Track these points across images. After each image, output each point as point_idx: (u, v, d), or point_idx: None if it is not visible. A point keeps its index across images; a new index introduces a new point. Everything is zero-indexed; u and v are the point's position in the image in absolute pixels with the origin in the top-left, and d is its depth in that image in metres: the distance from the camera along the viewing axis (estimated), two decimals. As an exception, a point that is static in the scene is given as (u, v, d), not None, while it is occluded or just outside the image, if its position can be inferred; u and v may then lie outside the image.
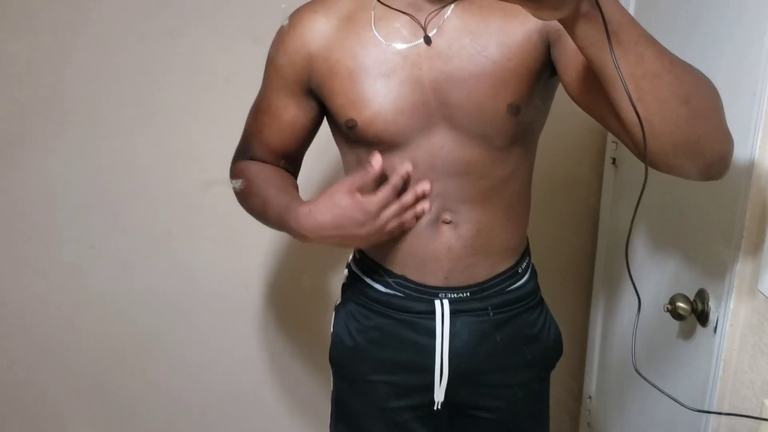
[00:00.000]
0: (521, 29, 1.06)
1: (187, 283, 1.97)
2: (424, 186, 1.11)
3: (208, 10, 1.75)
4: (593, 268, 1.93)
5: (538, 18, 0.73)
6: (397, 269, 1.24)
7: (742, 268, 1.14)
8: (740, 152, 1.12)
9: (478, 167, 1.13)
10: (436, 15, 1.08)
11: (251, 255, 1.96)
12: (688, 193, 1.31)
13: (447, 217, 1.17)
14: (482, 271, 1.22)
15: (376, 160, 1.08)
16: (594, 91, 0.96)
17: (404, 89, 1.09)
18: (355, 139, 1.16)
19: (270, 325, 2.03)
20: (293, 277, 1.98)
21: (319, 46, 1.14)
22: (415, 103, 1.10)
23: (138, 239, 1.92)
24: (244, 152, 1.29)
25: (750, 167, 1.10)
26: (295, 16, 1.19)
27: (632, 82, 0.79)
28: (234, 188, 1.25)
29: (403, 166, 1.10)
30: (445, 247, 1.18)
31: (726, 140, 0.90)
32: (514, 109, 1.08)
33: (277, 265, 1.97)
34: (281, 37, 1.19)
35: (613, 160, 1.76)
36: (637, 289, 1.04)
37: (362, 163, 1.19)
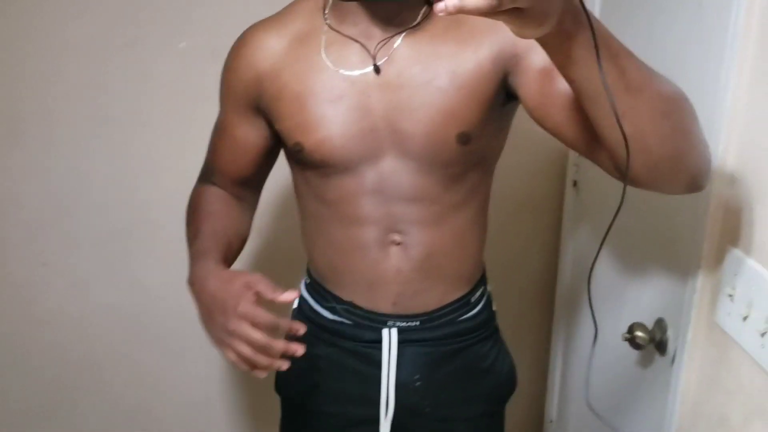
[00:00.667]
0: (473, 58, 1.04)
1: (144, 300, 1.92)
2: (298, 348, 1.03)
3: (166, 23, 1.71)
4: (554, 291, 1.92)
5: (521, 36, 0.70)
6: (345, 294, 1.21)
7: (700, 299, 1.14)
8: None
9: (430, 193, 1.12)
10: (386, 44, 1.06)
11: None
12: (649, 220, 1.30)
13: (396, 238, 1.15)
14: (433, 298, 1.20)
15: (289, 295, 1.02)
16: (562, 113, 0.96)
17: (352, 115, 1.08)
18: (302, 162, 1.14)
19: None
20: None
21: (269, 66, 1.12)
22: (364, 130, 1.08)
23: (93, 256, 1.86)
24: (206, 174, 1.28)
25: (707, 198, 1.09)
26: (247, 34, 1.17)
27: (616, 96, 0.77)
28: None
29: (299, 327, 1.05)
30: (394, 269, 1.16)
31: (706, 151, 0.90)
32: (464, 138, 1.06)
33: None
34: (232, 55, 1.17)
35: (574, 183, 1.76)
36: (596, 318, 1.03)
37: (310, 186, 1.17)
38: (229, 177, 1.25)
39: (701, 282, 1.13)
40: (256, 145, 1.21)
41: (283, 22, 1.14)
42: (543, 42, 0.74)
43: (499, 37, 1.02)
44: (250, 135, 1.20)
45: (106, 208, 1.83)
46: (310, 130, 1.09)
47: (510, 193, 1.82)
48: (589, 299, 0.94)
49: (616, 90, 0.77)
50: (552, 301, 1.93)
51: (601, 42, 0.73)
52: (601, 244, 0.90)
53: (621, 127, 0.77)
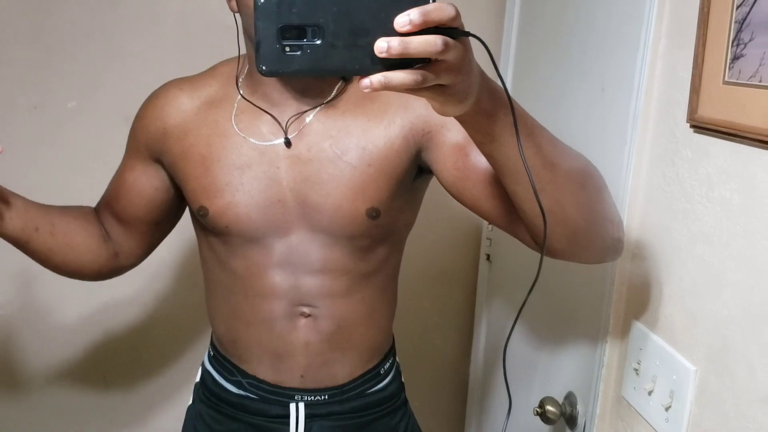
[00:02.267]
0: (384, 134, 1.04)
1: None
2: None
3: (76, 84, 1.67)
4: (468, 364, 1.91)
5: (442, 113, 0.70)
6: (250, 368, 1.17)
7: (607, 374, 1.15)
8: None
9: (339, 266, 1.10)
10: (297, 118, 1.06)
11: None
12: (558, 295, 1.33)
13: (305, 310, 1.12)
14: (342, 370, 1.17)
15: None
16: (479, 187, 0.96)
17: (259, 185, 1.06)
18: (208, 227, 1.11)
19: (127, 426, 1.88)
20: (154, 369, 1.85)
21: (176, 124, 1.11)
22: (271, 200, 1.07)
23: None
24: (96, 206, 1.25)
25: (612, 273, 1.12)
26: (161, 88, 1.16)
27: (534, 172, 0.78)
28: None
29: None
30: (302, 342, 1.13)
31: (619, 220, 0.94)
32: (374, 213, 1.06)
33: (133, 357, 1.84)
34: (144, 105, 1.16)
35: (488, 257, 1.78)
36: (510, 388, 1.01)
37: (215, 253, 1.14)
38: (111, 209, 1.20)
39: (608, 356, 1.15)
40: (143, 191, 1.17)
41: (197, 85, 1.13)
42: (463, 120, 0.74)
43: (410, 114, 1.03)
44: (140, 180, 1.16)
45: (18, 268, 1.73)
46: (215, 194, 1.07)
47: (424, 266, 1.82)
48: (504, 372, 0.93)
49: (533, 166, 0.78)
50: (466, 374, 1.93)
51: (518, 120, 0.75)
52: (516, 318, 0.90)
53: (539, 201, 0.78)
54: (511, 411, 1.03)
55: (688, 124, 0.94)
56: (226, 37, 1.66)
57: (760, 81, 0.79)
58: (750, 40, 0.81)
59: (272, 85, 1.05)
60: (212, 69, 1.16)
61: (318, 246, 1.09)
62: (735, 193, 0.86)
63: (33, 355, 1.80)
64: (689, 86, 0.93)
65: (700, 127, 0.91)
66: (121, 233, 1.21)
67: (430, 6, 0.59)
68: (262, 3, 0.60)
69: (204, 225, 1.12)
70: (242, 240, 1.09)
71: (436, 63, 0.62)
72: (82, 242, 1.16)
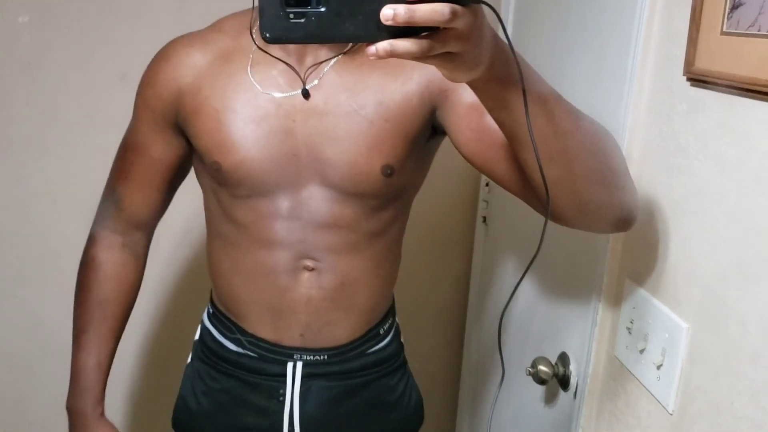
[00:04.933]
0: (401, 90, 1.03)
1: (34, 335, 1.80)
2: None
3: (71, 42, 1.64)
4: (464, 326, 1.91)
5: (452, 80, 0.69)
6: (249, 326, 1.16)
7: (600, 333, 1.15)
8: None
9: (347, 222, 1.09)
10: (315, 69, 1.04)
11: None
12: (552, 256, 1.32)
13: (309, 263, 1.10)
14: (342, 331, 1.16)
15: None
16: (492, 150, 0.95)
17: (274, 138, 1.04)
18: (218, 180, 1.09)
19: (125, 385, 1.89)
20: (153, 329, 1.85)
21: (190, 81, 1.07)
22: (285, 154, 1.05)
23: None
24: (109, 210, 1.21)
25: (606, 236, 1.11)
26: (169, 48, 1.11)
27: (544, 141, 0.77)
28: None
29: None
30: (304, 297, 1.11)
31: (633, 189, 0.92)
32: (388, 171, 1.04)
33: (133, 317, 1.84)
34: (152, 68, 1.12)
35: (484, 219, 1.77)
36: (503, 355, 1.01)
37: (221, 205, 1.12)
38: (131, 212, 1.19)
39: (601, 315, 1.14)
40: (170, 165, 1.15)
41: (207, 39, 1.10)
42: (474, 86, 0.73)
43: (428, 71, 1.01)
44: (165, 155, 1.14)
45: (14, 246, 1.74)
46: (228, 150, 1.04)
47: (421, 228, 1.81)
48: (499, 343, 0.93)
49: (545, 134, 0.77)
50: (461, 335, 1.93)
51: (530, 87, 0.73)
52: (514, 291, 0.89)
53: (542, 171, 0.77)
54: (505, 371, 1.03)
55: (685, 77, 0.92)
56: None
57: (759, 30, 0.77)
58: (750, -12, 0.79)
59: None
60: (218, 23, 1.12)
61: (328, 202, 1.07)
62: (730, 148, 0.85)
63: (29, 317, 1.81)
64: (686, 39, 0.90)
65: (697, 80, 0.89)
66: (143, 237, 1.24)
67: None
68: None
69: (215, 178, 1.09)
70: (252, 192, 1.07)
71: (444, 31, 0.60)
72: (135, 296, 1.27)
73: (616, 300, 1.11)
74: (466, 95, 0.98)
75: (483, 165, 0.99)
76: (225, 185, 1.09)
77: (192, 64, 1.08)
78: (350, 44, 1.05)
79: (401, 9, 0.57)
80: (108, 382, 1.23)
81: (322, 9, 0.60)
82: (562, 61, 1.29)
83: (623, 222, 0.94)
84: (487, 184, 1.77)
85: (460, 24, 0.60)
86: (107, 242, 1.21)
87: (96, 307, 1.20)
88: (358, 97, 1.03)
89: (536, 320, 1.40)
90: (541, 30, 1.41)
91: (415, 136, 1.05)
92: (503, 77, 0.72)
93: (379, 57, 0.59)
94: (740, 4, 0.80)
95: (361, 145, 1.03)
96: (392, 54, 0.59)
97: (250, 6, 1.08)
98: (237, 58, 1.07)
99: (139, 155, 1.16)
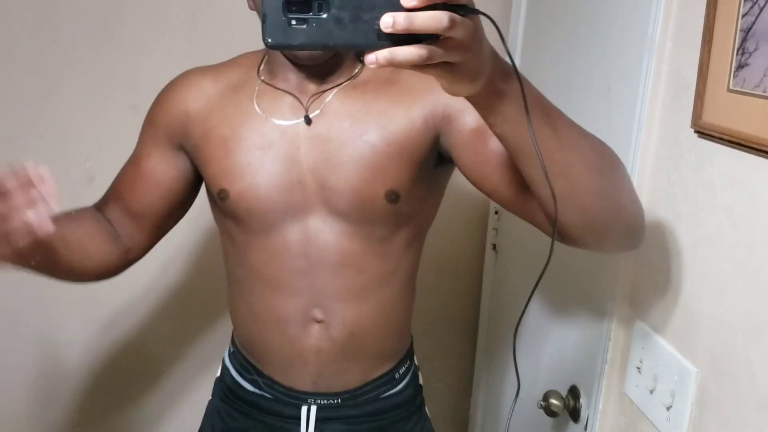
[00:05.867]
0: (404, 115, 1.04)
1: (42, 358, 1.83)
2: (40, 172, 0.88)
3: (83, 74, 1.67)
4: (474, 358, 1.93)
5: (452, 93, 0.69)
6: (266, 368, 1.18)
7: (610, 370, 1.17)
8: (610, 260, 1.16)
9: (356, 259, 1.09)
10: (318, 97, 1.06)
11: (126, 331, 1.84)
12: (564, 290, 1.34)
13: (318, 315, 1.11)
14: (354, 377, 1.17)
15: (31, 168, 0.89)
16: (497, 173, 0.96)
17: (280, 166, 1.06)
18: (227, 212, 1.11)
19: (148, 415, 1.91)
20: (178, 363, 1.88)
21: (199, 107, 1.11)
22: (291, 182, 1.06)
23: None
24: (100, 201, 1.20)
25: (616, 274, 1.13)
26: (183, 74, 1.16)
27: (549, 155, 0.76)
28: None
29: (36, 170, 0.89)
30: (314, 349, 1.13)
31: (640, 209, 0.92)
32: (393, 196, 1.05)
33: (159, 350, 1.87)
34: (165, 91, 1.16)
35: (494, 247, 1.79)
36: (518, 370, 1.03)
37: (236, 246, 1.14)
38: (123, 202, 1.17)
39: (611, 353, 1.16)
40: (160, 181, 1.15)
41: (219, 71, 1.14)
42: (474, 101, 0.73)
43: (431, 98, 1.02)
44: (158, 169, 1.15)
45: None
46: (235, 176, 1.06)
47: (430, 256, 1.83)
48: (514, 353, 0.94)
49: (549, 148, 0.76)
50: (472, 365, 1.95)
51: (532, 101, 0.74)
52: (530, 298, 0.88)
53: (549, 183, 0.77)
54: (515, 404, 1.05)
55: (693, 129, 0.94)
56: (230, 27, 1.68)
57: (764, 91, 0.79)
58: (755, 50, 0.81)
59: (291, 70, 1.06)
60: (233, 59, 1.17)
61: (335, 234, 1.08)
62: (738, 201, 0.87)
63: (46, 354, 1.84)
64: (694, 91, 0.93)
65: (704, 133, 0.92)
66: (131, 227, 1.17)
67: None
68: None
69: (224, 210, 1.11)
70: (261, 226, 1.09)
71: (443, 40, 0.61)
72: (94, 248, 1.11)
73: (626, 339, 1.13)
74: (469, 120, 0.99)
75: (489, 188, 0.99)
76: (234, 217, 1.10)
77: (203, 90, 1.12)
78: (353, 73, 1.08)
79: (401, 16, 0.58)
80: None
81: (324, 15, 0.60)
82: (570, 102, 1.31)
83: (631, 240, 0.93)
84: (496, 212, 1.79)
85: (458, 33, 0.61)
86: (104, 215, 1.18)
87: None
88: (360, 124, 1.04)
89: (547, 353, 1.42)
90: (549, 69, 1.44)
91: (420, 162, 1.06)
92: (503, 91, 0.72)
93: (379, 65, 0.60)
94: (746, 65, 0.83)
95: (364, 171, 1.04)
96: (391, 61, 0.60)
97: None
98: (245, 89, 1.10)
99: (134, 167, 1.16)
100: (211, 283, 1.76)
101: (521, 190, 0.93)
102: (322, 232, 1.08)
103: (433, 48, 0.60)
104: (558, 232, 0.86)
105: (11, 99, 1.66)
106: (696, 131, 0.94)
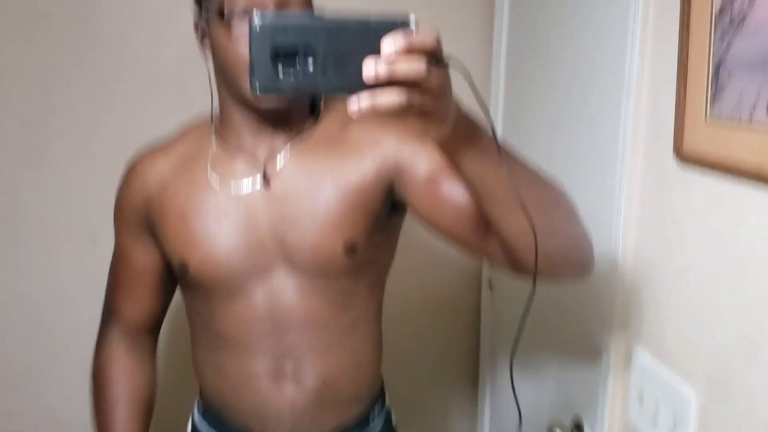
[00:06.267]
0: (356, 169, 1.07)
1: (49, 428, 1.81)
2: None
3: (73, 132, 1.69)
4: (476, 398, 1.93)
5: (422, 136, 0.73)
6: (240, 423, 1.19)
7: (612, 400, 1.17)
8: (605, 289, 1.17)
9: (320, 313, 1.11)
10: (271, 157, 1.09)
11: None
12: (560, 323, 1.35)
13: (289, 367, 1.13)
14: (329, 421, 1.18)
15: None
16: (452, 214, 0.99)
17: (238, 230, 1.08)
18: (191, 283, 1.13)
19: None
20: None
21: (156, 186, 1.14)
22: (250, 243, 1.08)
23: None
24: (106, 318, 1.27)
25: (612, 301, 1.15)
26: (136, 161, 1.19)
27: (509, 194, 0.81)
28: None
29: None
30: (288, 405, 1.14)
31: (589, 240, 0.96)
32: (351, 248, 1.08)
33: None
34: (123, 182, 1.20)
35: (490, 284, 1.81)
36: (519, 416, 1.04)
37: (200, 313, 1.16)
38: (129, 319, 1.24)
39: (612, 382, 1.17)
40: (153, 270, 1.20)
41: (171, 147, 1.18)
42: (442, 144, 0.77)
43: (380, 150, 1.06)
44: (147, 261, 1.19)
45: (9, 328, 1.76)
46: (193, 246, 1.09)
47: (427, 296, 1.84)
48: (512, 382, 0.96)
49: (509, 187, 0.81)
50: (474, 405, 1.94)
51: (490, 143, 0.78)
52: (521, 326, 0.92)
53: (527, 211, 0.81)
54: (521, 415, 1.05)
55: (675, 158, 0.97)
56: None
57: (740, 119, 0.82)
58: (728, 79, 0.84)
59: (244, 127, 1.09)
60: (183, 132, 1.20)
61: (298, 291, 1.10)
62: (724, 224, 0.89)
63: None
64: (673, 121, 0.95)
65: (687, 161, 0.94)
66: (148, 340, 1.28)
67: (416, 33, 0.63)
68: (258, 27, 0.64)
69: (186, 282, 1.14)
70: (224, 293, 1.10)
71: (419, 87, 0.64)
72: (152, 392, 1.29)
73: (626, 367, 1.14)
74: (421, 167, 1.03)
75: (446, 230, 1.02)
76: (197, 287, 1.13)
77: (157, 171, 1.15)
78: (304, 130, 1.11)
79: (382, 64, 0.62)
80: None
81: (309, 64, 0.64)
82: (555, 133, 1.34)
83: (584, 269, 0.98)
84: (490, 248, 1.80)
85: (433, 81, 0.65)
86: (112, 348, 1.25)
87: (113, 409, 1.22)
88: (315, 181, 1.07)
89: (549, 384, 1.42)
90: (532, 104, 1.47)
91: (375, 213, 1.09)
92: (468, 133, 0.77)
93: (362, 113, 0.63)
94: (721, 95, 0.85)
95: (322, 226, 1.06)
96: (373, 109, 0.63)
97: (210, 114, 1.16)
98: (198, 160, 1.13)
99: (124, 264, 1.22)
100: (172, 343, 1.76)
101: (474, 228, 0.98)
102: (286, 290, 1.10)
103: (412, 95, 0.64)
104: (517, 262, 0.92)
105: (6, 157, 1.68)
106: (678, 159, 0.96)
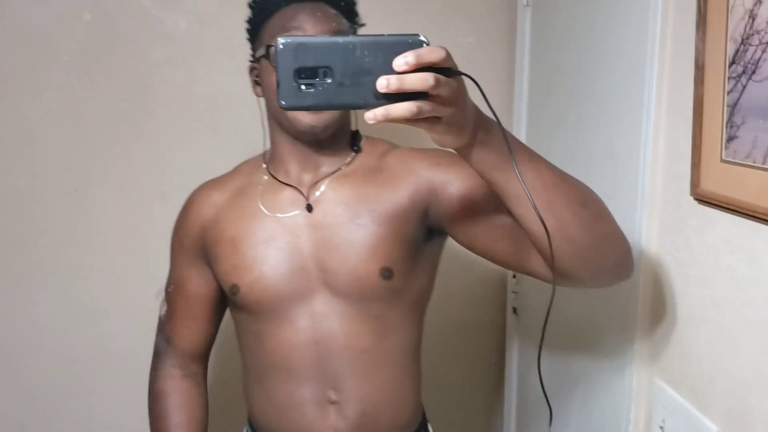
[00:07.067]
0: (392, 197, 1.13)
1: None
2: None
3: (113, 167, 1.77)
4: (502, 419, 1.95)
5: (441, 144, 0.79)
6: None
7: (634, 429, 1.19)
8: (626, 322, 1.20)
9: (358, 339, 1.15)
10: (314, 187, 1.16)
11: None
12: (585, 351, 1.37)
13: (332, 396, 1.17)
14: None
15: None
16: (486, 232, 1.04)
17: (283, 255, 1.14)
18: (240, 305, 1.19)
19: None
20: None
21: (210, 217, 1.22)
22: (294, 268, 1.14)
23: (35, 400, 1.83)
24: (164, 348, 1.32)
25: (633, 333, 1.17)
26: (194, 193, 1.27)
27: (536, 194, 0.84)
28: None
29: None
30: (331, 429, 1.17)
31: (624, 237, 0.96)
32: (386, 273, 1.12)
33: None
34: (181, 213, 1.27)
35: (514, 309, 1.83)
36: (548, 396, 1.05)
37: (248, 333, 1.21)
38: (184, 346, 1.30)
39: (635, 413, 1.19)
40: (206, 297, 1.26)
41: (225, 181, 1.26)
42: (463, 152, 0.82)
43: (414, 177, 1.12)
44: (201, 289, 1.26)
45: (51, 352, 1.81)
46: (244, 271, 1.15)
47: (452, 323, 1.86)
48: (540, 381, 0.98)
49: (534, 188, 0.84)
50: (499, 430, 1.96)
51: (515, 147, 0.83)
52: (544, 327, 0.94)
53: (540, 216, 0.84)
54: (552, 411, 1.07)
55: (691, 196, 1.00)
56: (251, 117, 1.76)
57: (754, 162, 0.85)
58: (742, 123, 0.87)
59: (292, 161, 1.17)
60: (236, 168, 1.28)
61: (338, 316, 1.14)
62: (741, 263, 0.92)
63: None
64: (690, 161, 0.98)
65: (703, 200, 0.97)
66: (200, 368, 1.34)
67: (424, 49, 0.70)
68: (282, 48, 0.71)
69: (237, 304, 1.19)
70: (271, 315, 1.16)
71: (431, 97, 0.71)
72: (205, 417, 1.35)
73: (648, 398, 1.16)
74: (454, 189, 1.08)
75: (482, 248, 1.07)
76: (246, 309, 1.18)
77: (212, 203, 1.23)
78: (345, 163, 1.17)
79: (393, 78, 0.69)
80: None
81: (328, 81, 0.70)
82: (576, 168, 1.37)
83: (622, 269, 0.98)
84: (514, 276, 1.83)
85: (443, 91, 0.71)
86: (168, 374, 1.31)
87: (174, 420, 1.28)
88: (353, 208, 1.13)
89: (573, 412, 1.44)
90: (554, 140, 1.51)
91: (411, 238, 1.14)
92: (486, 141, 0.82)
93: (377, 120, 0.69)
94: (735, 137, 0.88)
95: (359, 251, 1.12)
96: (387, 116, 0.69)
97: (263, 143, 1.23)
98: (249, 191, 1.21)
99: (179, 292, 1.28)
100: (225, 368, 1.80)
101: (512, 242, 1.01)
102: (327, 315, 1.15)
103: (421, 104, 0.70)
104: (558, 272, 0.93)
105: (46, 193, 1.75)
106: (695, 198, 0.99)
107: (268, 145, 1.23)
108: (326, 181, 1.16)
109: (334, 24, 1.11)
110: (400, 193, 1.13)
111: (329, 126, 1.12)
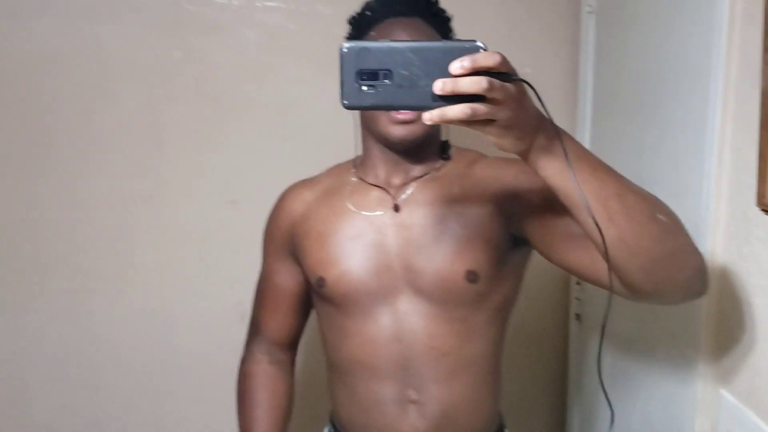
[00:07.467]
0: (478, 203, 1.15)
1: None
2: None
3: (185, 174, 1.85)
4: (564, 424, 1.94)
5: (500, 147, 0.80)
6: None
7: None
8: (692, 333, 1.18)
9: (440, 340, 1.17)
10: (402, 189, 1.20)
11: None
12: (649, 361, 1.36)
13: (413, 395, 1.19)
14: None
15: None
16: (564, 241, 1.04)
17: (370, 251, 1.18)
18: (326, 299, 1.22)
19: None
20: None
21: (300, 213, 1.27)
22: (380, 265, 1.17)
23: (109, 399, 1.92)
24: (252, 335, 1.40)
25: (698, 344, 1.16)
26: (286, 190, 1.33)
27: (600, 203, 0.84)
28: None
29: None
30: (411, 428, 1.20)
31: (699, 254, 0.93)
32: (472, 276, 1.13)
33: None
34: (274, 208, 1.33)
35: (577, 316, 1.83)
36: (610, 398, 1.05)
37: (333, 330, 1.24)
38: (272, 334, 1.36)
39: (699, 424, 1.18)
40: (294, 291, 1.32)
41: (316, 180, 1.32)
42: (524, 157, 0.83)
43: (500, 184, 1.15)
44: (289, 281, 1.31)
45: (122, 355, 1.91)
46: (331, 264, 1.19)
47: (514, 329, 1.86)
48: (600, 379, 0.97)
49: (599, 197, 0.84)
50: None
51: (578, 155, 0.83)
52: (601, 341, 0.94)
53: (597, 224, 0.84)
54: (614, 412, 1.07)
55: (758, 206, 0.99)
56: (317, 125, 1.82)
57: (822, 173, 0.84)
58: (809, 134, 0.86)
59: (381, 166, 1.22)
60: (328, 170, 1.33)
61: (421, 316, 1.16)
62: (808, 275, 0.90)
63: None
64: (756, 171, 0.97)
65: (770, 210, 0.96)
66: (288, 357, 1.40)
67: (480, 54, 0.73)
68: (346, 51, 0.75)
69: (322, 297, 1.23)
70: (356, 310, 1.19)
71: (486, 100, 0.73)
72: (290, 403, 1.41)
73: (714, 410, 1.15)
74: (534, 198, 1.09)
75: (558, 257, 1.07)
76: (332, 303, 1.21)
77: (303, 200, 1.28)
78: (433, 168, 1.20)
79: (449, 81, 0.72)
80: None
81: (388, 82, 0.74)
82: (638, 177, 1.36)
83: (695, 285, 0.95)
84: (578, 282, 1.83)
85: (498, 95, 0.73)
86: (255, 358, 1.38)
87: (254, 409, 1.35)
88: (439, 211, 1.16)
89: (635, 421, 1.43)
90: (618, 148, 1.50)
91: (495, 243, 1.15)
92: (548, 147, 0.82)
93: (433, 121, 0.73)
94: (802, 148, 0.87)
95: (445, 252, 1.14)
96: (443, 117, 0.72)
97: (352, 152, 1.27)
98: (338, 191, 1.25)
99: (268, 285, 1.35)
100: (309, 365, 1.85)
101: (585, 253, 1.01)
102: (410, 314, 1.17)
103: (476, 106, 0.73)
104: (621, 281, 0.92)
105: (122, 200, 1.84)
106: (761, 209, 0.98)
107: (359, 152, 1.28)
108: (414, 184, 1.20)
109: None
110: (487, 199, 1.15)
111: (419, 138, 1.15)
